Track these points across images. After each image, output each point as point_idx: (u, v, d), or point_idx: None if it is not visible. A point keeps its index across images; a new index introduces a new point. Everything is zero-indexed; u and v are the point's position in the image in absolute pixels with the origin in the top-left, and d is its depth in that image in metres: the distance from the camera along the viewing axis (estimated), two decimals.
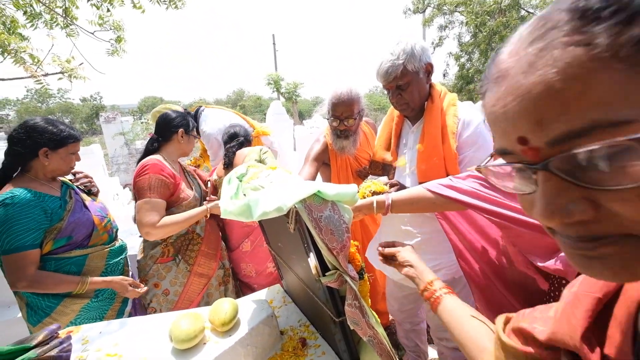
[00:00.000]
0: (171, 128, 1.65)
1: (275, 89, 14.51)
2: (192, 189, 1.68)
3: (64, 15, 2.53)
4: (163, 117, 1.67)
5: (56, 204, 1.33)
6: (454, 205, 1.02)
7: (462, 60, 13.71)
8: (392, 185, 1.27)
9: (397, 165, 1.38)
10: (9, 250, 1.21)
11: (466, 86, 13.97)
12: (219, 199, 1.55)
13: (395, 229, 1.43)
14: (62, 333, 1.13)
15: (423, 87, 1.27)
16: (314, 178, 1.85)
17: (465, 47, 13.13)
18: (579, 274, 0.40)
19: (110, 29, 2.78)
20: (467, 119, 1.25)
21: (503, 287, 1.07)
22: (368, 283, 1.08)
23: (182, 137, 1.67)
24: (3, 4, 2.43)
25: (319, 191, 0.80)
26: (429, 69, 1.26)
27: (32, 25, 2.57)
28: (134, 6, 2.92)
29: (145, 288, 1.51)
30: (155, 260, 1.59)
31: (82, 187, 1.55)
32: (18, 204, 1.23)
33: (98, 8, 2.89)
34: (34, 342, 1.00)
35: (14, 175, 1.33)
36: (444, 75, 14.90)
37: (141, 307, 1.67)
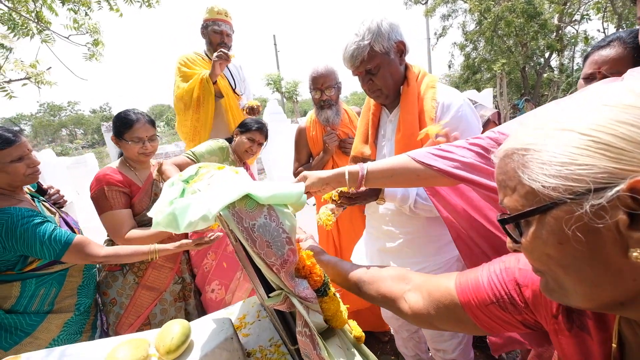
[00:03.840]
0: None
1: (275, 89, 14.39)
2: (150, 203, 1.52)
3: (36, 21, 2.44)
4: None
5: (44, 217, 1.25)
6: (443, 179, 0.84)
7: (467, 49, 13.27)
8: (341, 199, 1.09)
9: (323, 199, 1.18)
10: (62, 250, 1.20)
11: (473, 76, 13.54)
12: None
13: (377, 230, 1.26)
14: None
15: (396, 69, 1.10)
16: (302, 163, 1.98)
17: (470, 36, 12.69)
18: None
19: (87, 32, 2.68)
20: (447, 101, 1.07)
21: None
22: (337, 298, 0.92)
23: (116, 143, 1.55)
24: None
25: (249, 194, 0.64)
26: (401, 48, 1.09)
27: (15, 35, 2.50)
28: (110, 8, 2.81)
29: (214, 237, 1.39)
30: (104, 267, 1.51)
31: (53, 202, 1.48)
32: (20, 216, 1.17)
33: (76, 12, 2.81)
34: None
35: None
36: (449, 66, 14.47)
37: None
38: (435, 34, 14.09)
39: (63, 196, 1.56)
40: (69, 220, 1.44)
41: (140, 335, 1.06)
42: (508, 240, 0.45)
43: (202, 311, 1.71)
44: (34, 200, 1.34)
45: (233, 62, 2.60)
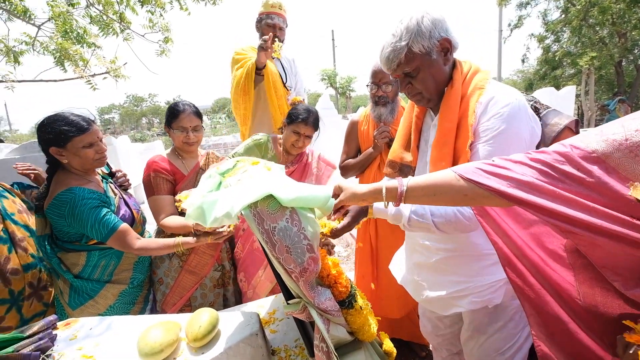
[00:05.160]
0: None
1: (329, 84, 14.38)
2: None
3: (119, 21, 2.73)
4: None
5: (105, 199, 1.41)
6: (495, 200, 0.72)
7: (548, 41, 11.70)
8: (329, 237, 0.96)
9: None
10: (108, 235, 1.32)
11: (551, 72, 11.94)
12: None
13: (414, 242, 1.15)
14: (61, 325, 1.15)
15: (439, 70, 0.97)
16: (351, 156, 1.92)
17: (552, 26, 11.15)
18: None
19: (159, 30, 2.93)
20: (491, 100, 0.91)
21: (570, 310, 0.75)
22: (363, 312, 0.85)
23: (167, 132, 1.62)
24: (75, 18, 2.73)
25: (272, 194, 0.61)
26: (445, 46, 0.95)
27: (104, 34, 2.86)
28: (181, 7, 3.04)
29: (228, 229, 1.37)
30: None
31: (119, 184, 1.64)
32: (83, 198, 1.31)
33: (152, 14, 3.09)
34: (28, 332, 1.02)
35: (56, 171, 1.39)
36: (523, 61, 12.94)
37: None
38: (509, 25, 12.67)
39: (128, 180, 1.73)
40: (130, 202, 1.58)
41: (175, 317, 1.12)
42: None
43: (239, 298, 1.77)
44: (102, 182, 1.50)
45: (286, 55, 2.62)
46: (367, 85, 1.79)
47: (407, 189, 0.79)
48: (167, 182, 1.56)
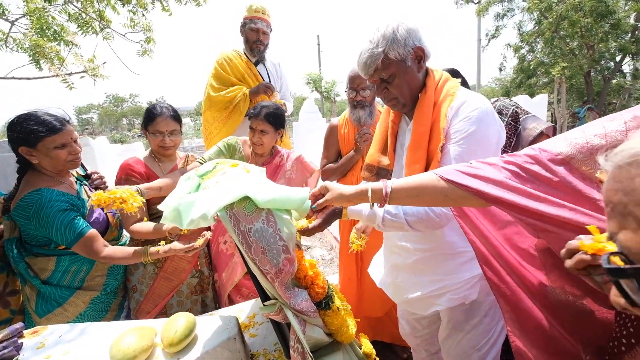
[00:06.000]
0: None
1: (314, 88, 14.47)
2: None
3: (99, 20, 2.66)
4: None
5: (75, 202, 1.35)
6: (473, 200, 0.76)
7: (523, 51, 12.24)
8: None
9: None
10: (73, 240, 1.27)
11: (527, 80, 12.48)
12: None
13: (391, 244, 1.18)
14: (28, 333, 1.10)
15: (413, 76, 1.02)
16: (331, 160, 1.95)
17: (527, 37, 11.68)
18: None
19: (141, 30, 2.87)
20: (459, 104, 0.97)
21: (543, 307, 0.79)
22: (341, 313, 0.86)
23: (144, 134, 1.57)
24: (52, 15, 2.63)
25: (247, 196, 0.61)
26: (419, 54, 1.00)
27: (83, 32, 2.77)
28: (163, 9, 2.99)
29: (202, 240, 1.35)
30: None
31: (94, 186, 1.57)
32: (51, 200, 1.25)
33: (134, 13, 3.03)
34: None
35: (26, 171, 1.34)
36: (500, 69, 13.46)
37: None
38: (487, 34, 13.19)
39: (105, 182, 1.67)
40: None
41: (151, 323, 1.09)
42: (615, 293, 0.31)
43: (219, 304, 1.74)
44: (76, 183, 1.45)
45: (271, 59, 2.64)
46: (345, 91, 1.83)
47: (391, 190, 0.82)
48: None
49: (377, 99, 1.87)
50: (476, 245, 0.89)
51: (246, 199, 0.63)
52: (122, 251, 1.35)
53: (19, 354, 0.96)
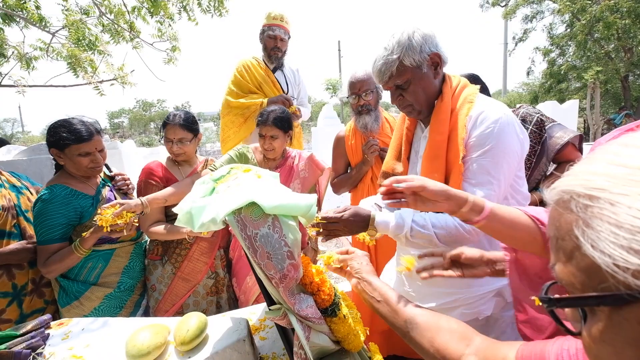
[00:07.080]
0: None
1: (333, 94, 14.57)
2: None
3: (129, 30, 2.83)
4: None
5: (88, 203, 1.43)
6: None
7: (553, 55, 11.74)
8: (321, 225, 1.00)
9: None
10: (40, 241, 1.37)
11: (557, 85, 11.94)
12: None
13: (405, 253, 1.16)
14: (55, 324, 1.17)
15: (429, 83, 1.00)
16: (340, 173, 1.92)
17: (558, 40, 11.21)
18: None
19: (167, 40, 3.02)
20: (479, 114, 0.93)
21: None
22: (348, 321, 0.86)
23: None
24: (88, 26, 2.83)
25: (254, 201, 0.63)
26: (435, 60, 0.99)
27: (115, 42, 2.96)
28: (189, 18, 3.13)
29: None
30: (147, 255, 1.63)
31: (117, 188, 1.66)
32: (54, 200, 1.36)
33: (162, 24, 3.20)
34: (22, 330, 1.04)
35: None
36: (528, 73, 12.99)
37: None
38: (514, 38, 12.78)
39: (129, 184, 1.75)
40: None
41: (165, 320, 1.13)
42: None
43: (234, 305, 1.77)
44: (100, 184, 1.54)
45: (289, 65, 2.69)
46: (347, 98, 1.81)
47: (491, 211, 0.73)
48: (156, 189, 1.56)
49: (382, 105, 1.85)
50: (514, 283, 0.80)
51: (254, 204, 0.64)
52: (59, 255, 1.36)
53: (45, 344, 1.02)
